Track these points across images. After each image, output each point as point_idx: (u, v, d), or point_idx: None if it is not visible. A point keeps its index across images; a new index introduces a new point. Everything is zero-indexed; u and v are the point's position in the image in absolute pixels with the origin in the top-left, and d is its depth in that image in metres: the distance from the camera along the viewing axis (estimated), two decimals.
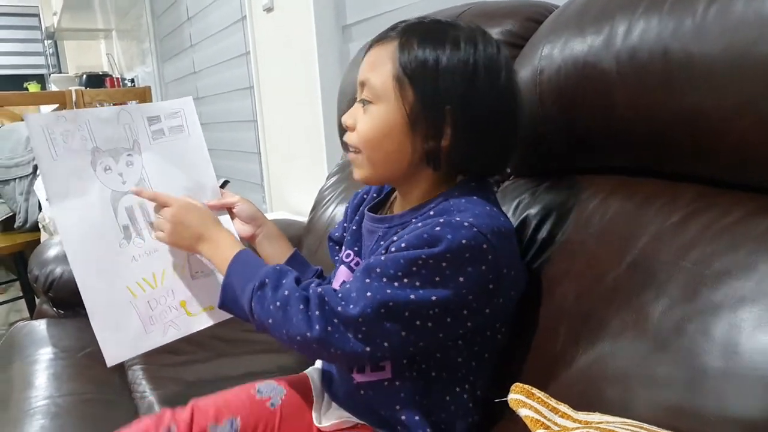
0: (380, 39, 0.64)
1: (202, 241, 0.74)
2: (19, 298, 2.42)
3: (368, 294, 0.56)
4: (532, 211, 0.75)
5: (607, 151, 0.69)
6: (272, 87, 1.99)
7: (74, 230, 0.75)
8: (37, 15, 4.61)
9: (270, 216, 1.09)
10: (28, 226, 2.28)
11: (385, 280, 0.56)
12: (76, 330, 1.17)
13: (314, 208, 1.36)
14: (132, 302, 0.77)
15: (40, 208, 2.25)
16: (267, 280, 0.63)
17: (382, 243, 0.66)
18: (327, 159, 1.70)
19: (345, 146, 0.67)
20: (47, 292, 1.27)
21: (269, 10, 1.86)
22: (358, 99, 0.65)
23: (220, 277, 0.72)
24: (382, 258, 0.58)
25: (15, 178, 2.32)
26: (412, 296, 0.55)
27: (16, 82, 4.66)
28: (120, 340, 0.76)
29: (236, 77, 2.23)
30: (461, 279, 0.56)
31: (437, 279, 0.55)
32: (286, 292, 0.60)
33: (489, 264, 0.56)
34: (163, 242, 0.77)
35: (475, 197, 0.61)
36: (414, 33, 0.61)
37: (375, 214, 0.72)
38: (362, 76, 0.64)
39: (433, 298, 0.55)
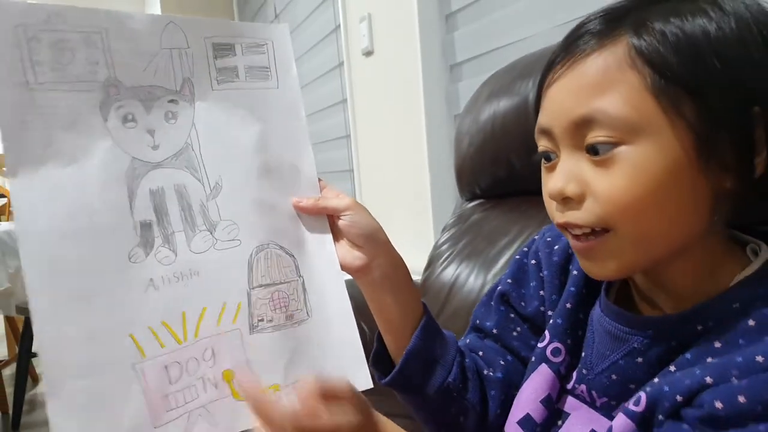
0: (579, 47, 0.40)
1: None
2: None
3: None
4: None
5: None
6: (370, 134, 1.88)
7: (46, 221, 0.41)
8: None
9: None
10: None
11: None
12: None
13: (429, 266, 1.19)
14: (137, 365, 0.42)
15: None
16: None
17: (639, 360, 0.42)
18: (432, 209, 1.55)
19: (564, 228, 0.43)
20: None
21: (369, 54, 1.77)
22: (562, 150, 0.41)
23: (302, 333, 0.49)
24: None
25: None
26: None
27: None
28: None
29: (332, 126, 2.15)
30: None
31: None
32: None
33: None
34: None
35: None
36: (642, 17, 0.38)
37: (616, 305, 0.46)
38: (578, 109, 0.39)
39: None
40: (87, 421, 0.40)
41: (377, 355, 0.56)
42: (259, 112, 0.52)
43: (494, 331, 0.56)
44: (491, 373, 0.55)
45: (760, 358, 0.34)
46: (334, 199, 0.54)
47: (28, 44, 0.41)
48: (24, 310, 2.02)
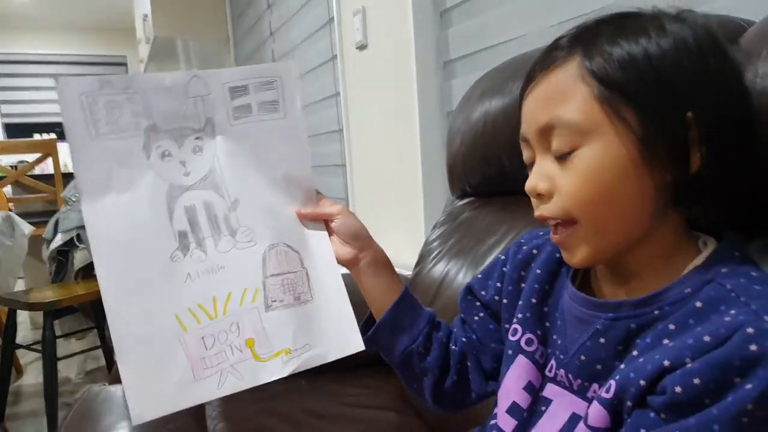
0: (546, 65, 0.47)
1: None
2: (96, 347, 2.37)
3: None
4: None
5: None
6: (363, 129, 1.88)
7: (110, 233, 0.56)
8: (124, 64, 4.83)
9: None
10: None
11: None
12: None
13: (420, 262, 1.20)
14: (180, 337, 0.57)
15: None
16: None
17: (602, 341, 0.47)
18: (425, 204, 1.55)
19: (544, 220, 0.49)
20: None
21: (362, 47, 1.76)
22: (537, 154, 0.48)
23: (307, 310, 0.62)
24: None
25: None
26: None
27: None
28: (158, 388, 0.55)
29: (325, 120, 2.14)
30: None
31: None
32: None
33: None
34: None
35: (753, 272, 0.42)
36: (593, 37, 0.45)
37: (580, 290, 0.52)
38: (542, 118, 0.47)
39: None
40: (147, 376, 0.54)
41: (366, 324, 0.67)
42: (269, 138, 0.64)
43: (462, 315, 0.67)
44: (453, 347, 0.65)
45: (707, 338, 0.39)
46: (328, 207, 0.66)
47: (90, 107, 0.56)
48: (7, 301, 2.00)
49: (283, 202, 0.64)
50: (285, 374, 0.59)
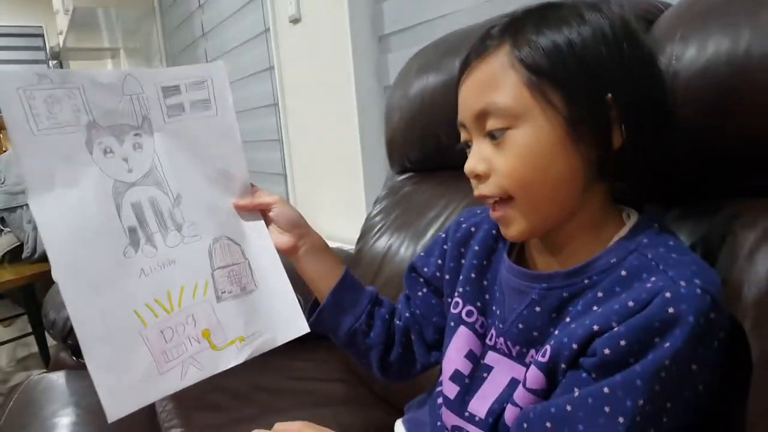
0: (479, 54, 0.50)
1: None
2: (28, 334, 2.27)
3: None
4: None
5: None
6: (299, 103, 1.86)
7: (62, 233, 0.56)
8: (41, 35, 4.52)
9: None
10: (36, 256, 2.13)
11: (623, 422, 0.41)
12: None
13: (362, 237, 1.22)
14: (141, 332, 0.58)
15: None
16: None
17: (537, 309, 0.51)
18: (365, 179, 1.57)
19: (484, 199, 0.52)
20: (66, 338, 1.14)
21: (296, 21, 1.73)
22: (474, 138, 0.51)
23: (253, 299, 0.64)
24: (605, 391, 0.42)
25: (22, 206, 2.18)
26: (664, 418, 0.42)
27: None
28: (126, 384, 0.56)
29: (259, 94, 2.10)
30: (697, 370, 0.42)
31: (680, 385, 0.42)
32: None
33: (720, 338, 0.42)
34: None
35: (670, 242, 0.47)
36: (520, 27, 0.49)
37: (516, 263, 0.56)
38: (477, 104, 0.49)
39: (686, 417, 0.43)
40: (115, 373, 0.55)
41: (312, 308, 0.71)
42: (203, 136, 0.66)
43: (406, 292, 0.71)
44: (397, 321, 0.69)
45: (631, 303, 0.43)
46: (265, 197, 0.67)
47: (28, 102, 0.55)
48: None
49: (221, 196, 0.66)
50: (241, 360, 0.62)
